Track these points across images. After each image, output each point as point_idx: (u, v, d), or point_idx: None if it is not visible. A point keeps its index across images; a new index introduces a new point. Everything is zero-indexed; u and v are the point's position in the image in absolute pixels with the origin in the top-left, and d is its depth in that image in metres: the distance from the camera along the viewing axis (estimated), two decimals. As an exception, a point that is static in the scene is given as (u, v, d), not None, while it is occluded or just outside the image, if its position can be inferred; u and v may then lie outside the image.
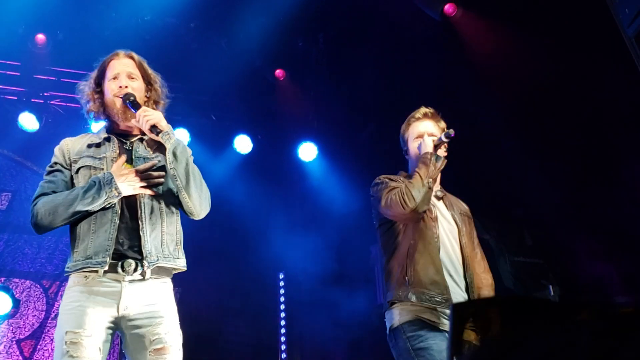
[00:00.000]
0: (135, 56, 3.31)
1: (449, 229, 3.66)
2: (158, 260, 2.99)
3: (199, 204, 3.11)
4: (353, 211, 7.22)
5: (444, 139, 3.62)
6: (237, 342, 7.61)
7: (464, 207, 3.91)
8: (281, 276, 8.20)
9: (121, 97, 3.14)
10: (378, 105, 7.59)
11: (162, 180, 3.09)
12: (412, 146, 3.75)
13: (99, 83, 3.27)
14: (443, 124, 3.79)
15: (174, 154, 3.00)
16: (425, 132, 3.72)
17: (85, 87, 3.29)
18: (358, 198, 6.52)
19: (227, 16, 7.22)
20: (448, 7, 6.74)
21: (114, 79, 3.21)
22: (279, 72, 8.14)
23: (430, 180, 3.49)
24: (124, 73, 3.22)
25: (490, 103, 6.60)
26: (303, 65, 7.92)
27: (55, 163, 3.16)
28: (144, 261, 2.96)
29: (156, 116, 3.03)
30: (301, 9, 7.00)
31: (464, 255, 3.62)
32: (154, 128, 2.99)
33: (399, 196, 3.43)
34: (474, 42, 6.57)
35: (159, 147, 3.07)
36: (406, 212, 3.42)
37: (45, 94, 7.35)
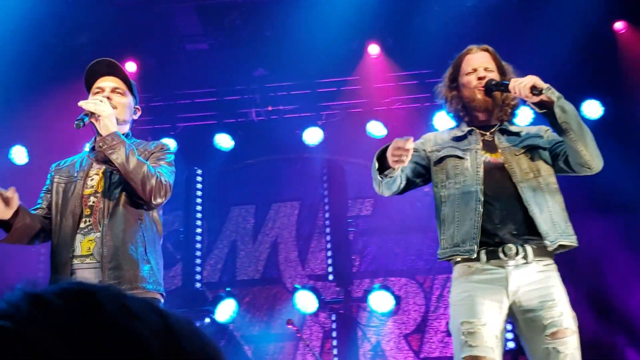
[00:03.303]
0: (490, 49, 3.36)
1: None
2: (557, 239, 2.96)
3: (596, 154, 3.03)
4: None
5: None
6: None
7: None
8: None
9: (482, 88, 3.20)
10: None
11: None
12: None
13: (453, 79, 3.35)
14: None
15: (562, 108, 2.96)
16: None
17: (441, 87, 3.42)
18: None
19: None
20: None
21: (471, 71, 3.27)
22: (618, 25, 7.47)
23: None
24: (482, 67, 3.27)
25: None
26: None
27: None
28: (545, 241, 2.95)
29: (531, 78, 3.00)
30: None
31: None
32: (534, 89, 2.96)
33: None
34: None
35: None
36: None
37: (387, 100, 7.71)
